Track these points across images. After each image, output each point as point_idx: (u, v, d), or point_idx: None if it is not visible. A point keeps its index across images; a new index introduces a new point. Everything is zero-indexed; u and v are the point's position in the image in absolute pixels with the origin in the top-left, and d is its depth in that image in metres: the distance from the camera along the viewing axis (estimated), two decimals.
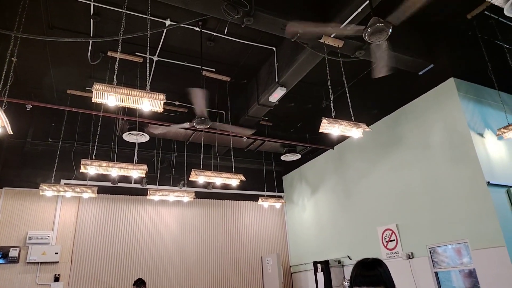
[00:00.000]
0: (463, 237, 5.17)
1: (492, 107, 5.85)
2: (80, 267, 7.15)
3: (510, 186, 5.14)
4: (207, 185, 8.20)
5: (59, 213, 7.26)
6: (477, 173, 5.10)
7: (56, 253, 6.90)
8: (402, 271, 5.95)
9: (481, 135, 5.41)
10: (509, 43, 5.68)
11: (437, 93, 5.87)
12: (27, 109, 5.69)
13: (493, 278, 4.72)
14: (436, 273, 5.56)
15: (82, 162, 5.31)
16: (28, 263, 6.71)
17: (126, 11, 4.57)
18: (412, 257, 5.92)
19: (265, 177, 9.54)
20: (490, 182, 4.98)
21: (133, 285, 6.32)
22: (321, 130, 4.56)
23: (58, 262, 6.93)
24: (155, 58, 5.97)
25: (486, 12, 5.20)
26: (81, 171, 5.45)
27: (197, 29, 5.30)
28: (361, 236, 7.15)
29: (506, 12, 3.40)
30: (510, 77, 5.41)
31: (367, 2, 4.24)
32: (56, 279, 6.83)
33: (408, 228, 6.12)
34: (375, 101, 7.04)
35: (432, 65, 5.99)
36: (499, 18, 5.34)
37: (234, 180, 6.28)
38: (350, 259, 7.38)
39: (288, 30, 4.56)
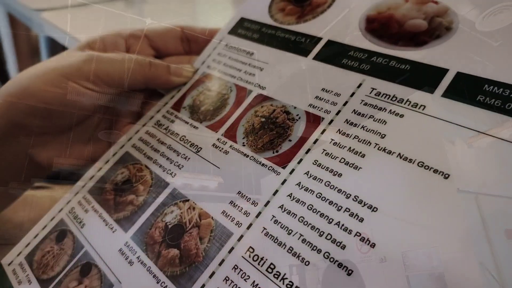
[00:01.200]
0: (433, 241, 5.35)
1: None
2: None
3: (478, 193, 5.37)
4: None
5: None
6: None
7: None
8: None
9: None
10: (478, 55, 5.98)
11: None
12: None
13: (460, 282, 4.91)
14: (407, 276, 5.72)
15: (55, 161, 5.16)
16: None
17: (105, 7, 4.48)
18: (385, 261, 6.07)
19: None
20: (460, 189, 5.18)
21: None
22: None
23: None
24: (134, 56, 5.88)
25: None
26: (53, 170, 5.30)
27: (179, 28, 5.27)
28: None
29: (477, 26, 3.56)
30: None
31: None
32: None
33: None
34: None
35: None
36: (471, 32, 5.62)
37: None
38: None
39: None
